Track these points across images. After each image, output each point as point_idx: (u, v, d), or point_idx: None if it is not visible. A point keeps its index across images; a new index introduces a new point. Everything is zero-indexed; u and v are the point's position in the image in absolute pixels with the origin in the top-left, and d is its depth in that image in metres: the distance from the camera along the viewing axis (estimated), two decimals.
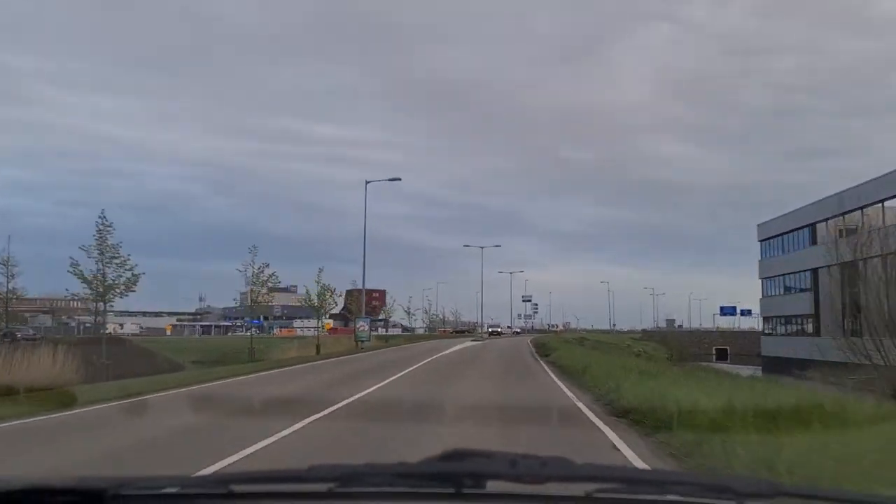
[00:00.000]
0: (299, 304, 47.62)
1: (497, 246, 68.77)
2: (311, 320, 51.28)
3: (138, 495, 1.50)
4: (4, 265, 35.65)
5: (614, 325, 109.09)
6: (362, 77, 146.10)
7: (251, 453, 7.29)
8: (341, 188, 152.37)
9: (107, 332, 33.06)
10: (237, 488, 1.50)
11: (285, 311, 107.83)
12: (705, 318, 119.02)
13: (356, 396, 13.04)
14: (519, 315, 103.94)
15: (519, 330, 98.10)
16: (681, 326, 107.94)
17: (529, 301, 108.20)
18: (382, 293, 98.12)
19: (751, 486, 1.45)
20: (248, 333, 45.78)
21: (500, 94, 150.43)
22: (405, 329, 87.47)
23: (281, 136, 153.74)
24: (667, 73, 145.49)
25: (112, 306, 25.43)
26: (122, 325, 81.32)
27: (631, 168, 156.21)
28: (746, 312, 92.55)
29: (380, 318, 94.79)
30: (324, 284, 38.31)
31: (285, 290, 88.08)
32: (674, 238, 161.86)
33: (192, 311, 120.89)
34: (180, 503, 1.52)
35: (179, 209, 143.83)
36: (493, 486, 1.46)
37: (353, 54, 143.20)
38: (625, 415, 9.87)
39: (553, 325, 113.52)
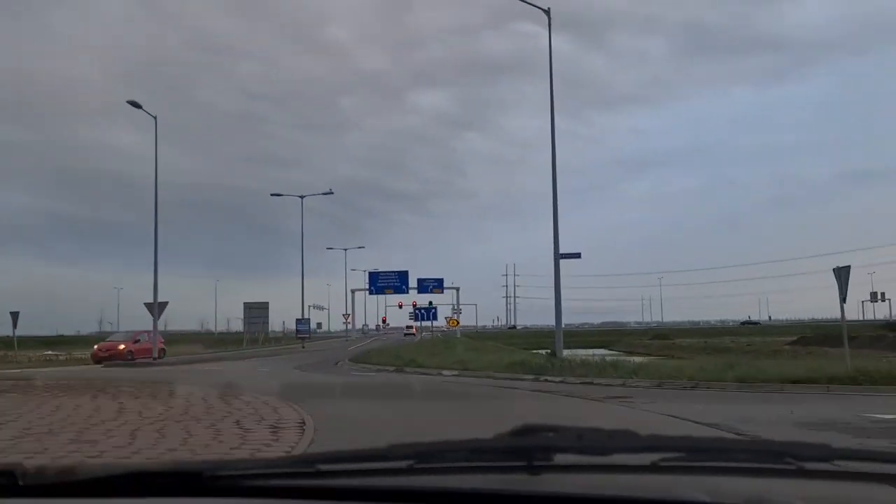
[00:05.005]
0: None
1: None
2: None
3: (233, 475, 1.57)
4: None
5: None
6: None
7: None
8: None
9: None
10: (323, 467, 1.58)
11: None
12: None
13: None
14: None
15: None
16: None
17: None
18: None
19: (809, 450, 1.53)
20: None
21: None
22: None
23: None
24: (122, 53, 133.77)
25: None
26: None
27: (76, 154, 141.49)
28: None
29: None
30: None
31: None
32: (130, 235, 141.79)
33: None
34: (272, 482, 1.57)
35: None
36: (561, 458, 1.52)
37: None
38: None
39: None
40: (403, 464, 1.54)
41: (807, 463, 1.47)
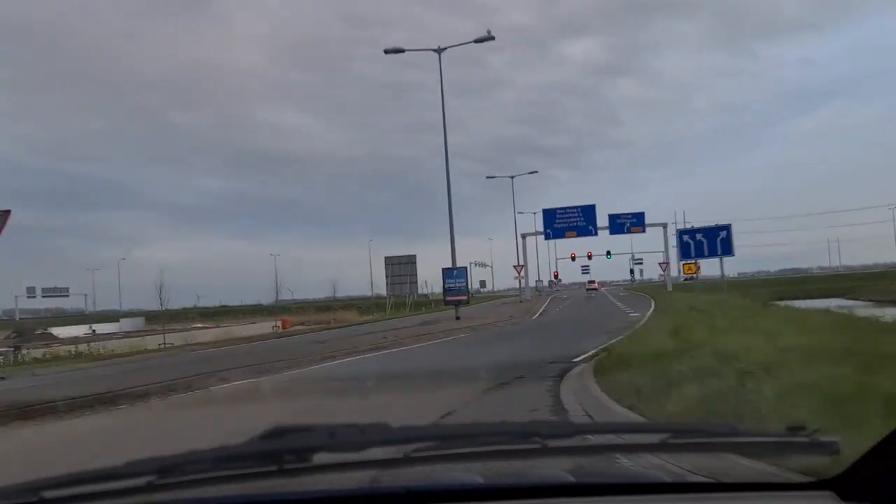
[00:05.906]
0: None
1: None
2: None
3: None
4: None
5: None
6: None
7: None
8: None
9: None
10: (49, 494, 1.44)
11: None
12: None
13: None
14: None
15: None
16: None
17: None
18: None
19: (551, 429, 1.65)
20: None
21: (92, 44, 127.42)
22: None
23: None
24: (283, 35, 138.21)
25: None
26: None
27: (248, 136, 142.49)
28: None
29: None
30: None
31: None
32: (293, 210, 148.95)
33: None
34: None
35: None
36: (316, 458, 1.45)
37: None
38: None
39: None
40: (142, 481, 1.43)
41: (550, 440, 1.50)
